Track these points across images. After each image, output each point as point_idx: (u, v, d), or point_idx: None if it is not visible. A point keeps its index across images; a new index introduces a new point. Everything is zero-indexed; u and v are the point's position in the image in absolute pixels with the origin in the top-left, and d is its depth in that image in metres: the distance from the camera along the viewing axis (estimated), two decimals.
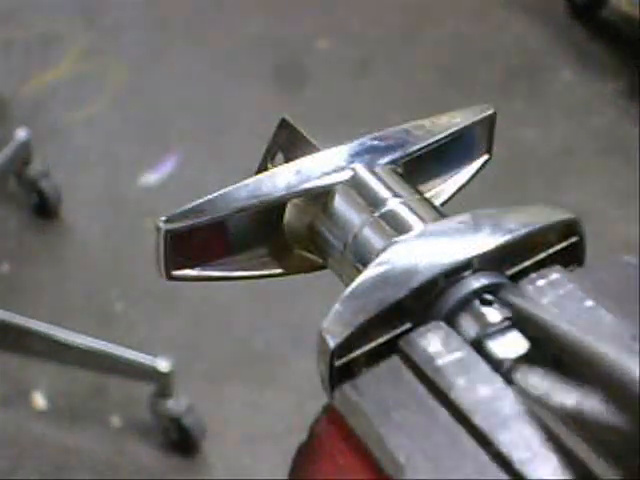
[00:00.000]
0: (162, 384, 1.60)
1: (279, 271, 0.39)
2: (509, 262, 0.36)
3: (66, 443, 1.65)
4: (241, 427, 1.66)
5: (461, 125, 0.41)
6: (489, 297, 0.35)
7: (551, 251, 0.37)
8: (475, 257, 0.35)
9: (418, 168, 0.41)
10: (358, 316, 0.34)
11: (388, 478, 0.32)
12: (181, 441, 1.63)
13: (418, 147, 0.40)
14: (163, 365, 1.57)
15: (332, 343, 0.33)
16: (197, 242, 0.37)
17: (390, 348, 0.35)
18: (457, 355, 0.34)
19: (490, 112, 0.42)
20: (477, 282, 0.35)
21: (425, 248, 0.35)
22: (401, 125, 0.41)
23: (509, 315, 0.35)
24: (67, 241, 1.84)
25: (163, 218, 0.37)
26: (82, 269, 1.79)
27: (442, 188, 0.43)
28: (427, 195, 0.40)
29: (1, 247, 1.88)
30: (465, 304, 0.35)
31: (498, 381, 0.33)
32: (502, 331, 0.34)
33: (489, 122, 0.42)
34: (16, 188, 1.88)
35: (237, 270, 0.39)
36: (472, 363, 0.34)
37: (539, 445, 0.31)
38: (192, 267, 0.38)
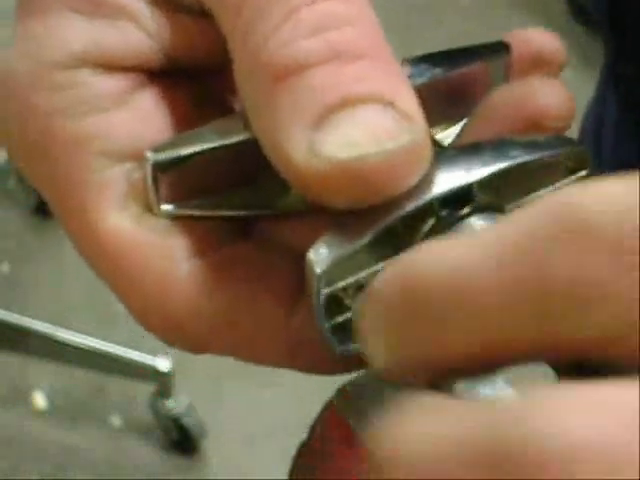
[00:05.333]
0: (162, 384, 1.60)
1: (279, 211, 0.37)
2: (512, 194, 0.35)
3: (66, 443, 1.65)
4: (241, 427, 1.66)
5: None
6: None
7: (558, 185, 0.35)
8: (473, 183, 0.33)
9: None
10: (345, 243, 0.32)
11: None
12: (181, 441, 1.64)
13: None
14: (163, 365, 1.57)
15: (319, 269, 0.32)
16: (191, 174, 0.35)
17: None
18: None
19: (505, 48, 0.38)
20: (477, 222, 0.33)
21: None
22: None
23: None
24: (67, 241, 1.84)
25: (151, 149, 0.34)
26: (82, 269, 1.79)
27: (452, 131, 0.40)
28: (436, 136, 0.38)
29: (1, 247, 1.88)
30: None
31: (498, 381, 0.33)
32: None
33: (504, 66, 0.39)
34: (16, 188, 1.88)
35: (236, 208, 0.37)
36: None
37: None
38: (186, 203, 0.35)
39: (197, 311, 0.34)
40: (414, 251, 0.25)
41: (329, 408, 0.34)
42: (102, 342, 1.56)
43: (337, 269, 0.32)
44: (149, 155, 0.34)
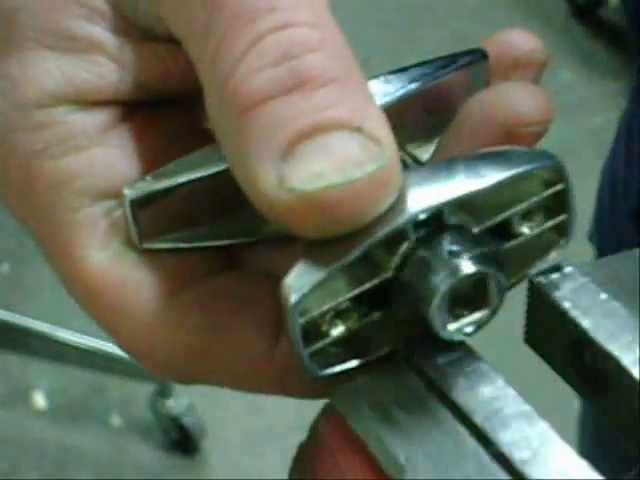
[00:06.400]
0: (162, 384, 1.60)
1: (261, 238, 0.37)
2: (487, 211, 0.34)
3: (66, 443, 1.65)
4: (241, 427, 1.66)
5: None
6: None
7: (534, 200, 0.34)
8: (446, 204, 0.32)
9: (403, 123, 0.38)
10: (319, 270, 0.32)
11: (388, 478, 0.32)
12: (181, 441, 1.64)
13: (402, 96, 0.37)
14: None
15: (293, 299, 0.31)
16: (171, 208, 0.35)
17: (367, 303, 0.34)
18: (458, 354, 0.34)
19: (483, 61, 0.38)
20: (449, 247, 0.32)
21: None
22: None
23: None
24: None
25: (128, 185, 0.34)
26: None
27: (432, 145, 0.39)
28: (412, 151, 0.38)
29: (1, 247, 1.88)
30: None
31: (498, 380, 0.33)
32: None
33: (484, 73, 0.39)
34: None
35: (219, 238, 0.37)
36: (472, 362, 0.34)
37: (540, 445, 0.31)
38: (168, 236, 0.35)
39: (181, 343, 0.35)
40: None
41: (329, 408, 0.34)
42: (102, 342, 1.56)
43: (312, 297, 0.32)
44: (126, 192, 0.34)
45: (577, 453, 0.31)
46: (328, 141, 0.29)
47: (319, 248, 0.32)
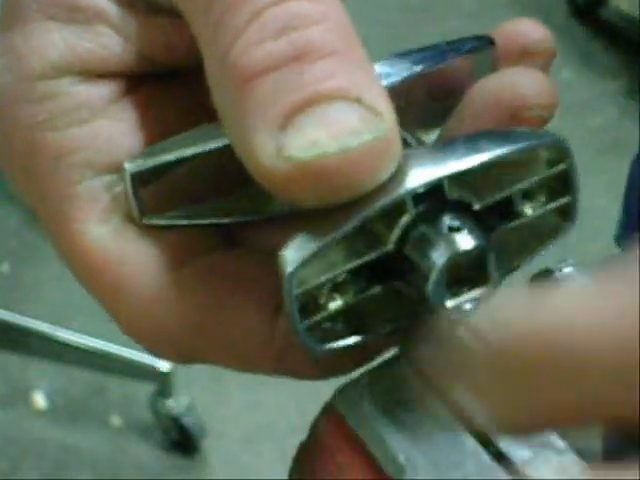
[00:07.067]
0: (162, 384, 1.60)
1: (263, 216, 0.37)
2: (490, 189, 0.34)
3: (66, 443, 1.65)
4: (241, 427, 1.66)
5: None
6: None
7: (537, 179, 0.34)
8: (446, 178, 0.32)
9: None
10: (316, 241, 0.31)
11: (388, 478, 0.32)
12: (181, 440, 1.64)
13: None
14: (163, 365, 1.57)
15: (289, 269, 0.31)
16: (172, 183, 0.35)
17: (366, 277, 0.33)
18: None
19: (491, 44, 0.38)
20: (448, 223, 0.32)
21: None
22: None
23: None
24: None
25: (129, 159, 0.34)
26: None
27: (434, 133, 0.39)
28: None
29: (1, 247, 1.88)
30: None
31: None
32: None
33: (491, 60, 0.38)
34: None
35: (220, 216, 0.36)
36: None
37: (540, 445, 0.31)
38: (169, 213, 0.35)
39: (182, 320, 0.34)
40: (535, 306, 0.25)
41: (329, 408, 0.34)
42: (102, 342, 1.56)
43: (310, 268, 0.32)
44: (127, 166, 0.34)
45: (576, 453, 0.31)
46: (326, 111, 0.29)
47: (317, 220, 0.32)
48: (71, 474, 1.61)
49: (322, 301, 0.33)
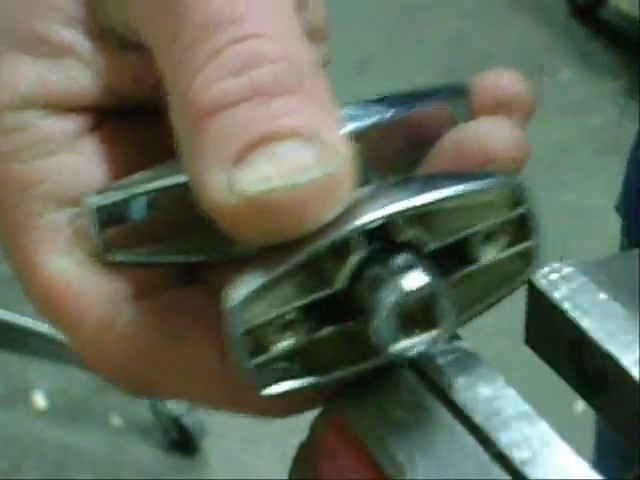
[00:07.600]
0: None
1: (225, 257, 0.36)
2: (444, 231, 0.33)
3: (66, 443, 1.65)
4: (241, 427, 1.66)
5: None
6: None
7: (493, 222, 0.33)
8: (397, 214, 0.32)
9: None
10: (261, 276, 0.31)
11: (388, 478, 0.32)
12: (181, 441, 1.64)
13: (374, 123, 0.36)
14: None
15: (229, 304, 0.31)
16: (135, 219, 0.35)
17: (317, 316, 0.33)
18: (458, 354, 0.34)
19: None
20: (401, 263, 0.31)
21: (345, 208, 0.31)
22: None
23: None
24: None
25: (90, 194, 0.34)
26: None
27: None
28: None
29: (1, 247, 1.88)
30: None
31: (498, 380, 0.33)
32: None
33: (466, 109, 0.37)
34: None
35: (183, 255, 0.36)
36: (472, 362, 0.34)
37: (540, 445, 0.31)
38: (130, 249, 0.35)
39: (137, 352, 0.35)
40: None
41: (329, 408, 0.34)
42: None
43: (256, 305, 0.31)
44: (86, 200, 0.34)
45: (576, 453, 0.31)
46: (279, 148, 0.29)
47: (264, 257, 0.31)
48: (71, 474, 1.61)
49: (271, 340, 0.32)
